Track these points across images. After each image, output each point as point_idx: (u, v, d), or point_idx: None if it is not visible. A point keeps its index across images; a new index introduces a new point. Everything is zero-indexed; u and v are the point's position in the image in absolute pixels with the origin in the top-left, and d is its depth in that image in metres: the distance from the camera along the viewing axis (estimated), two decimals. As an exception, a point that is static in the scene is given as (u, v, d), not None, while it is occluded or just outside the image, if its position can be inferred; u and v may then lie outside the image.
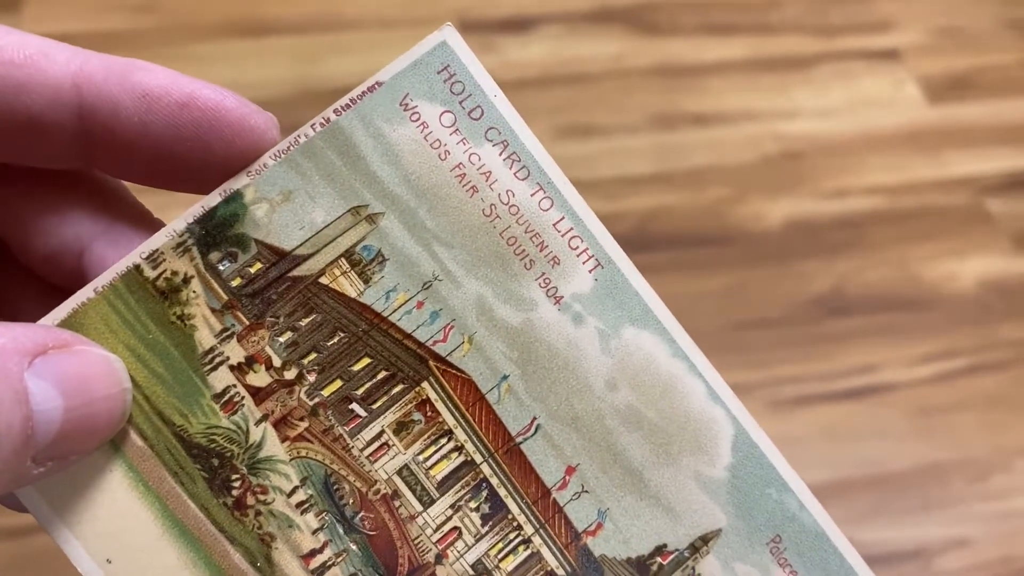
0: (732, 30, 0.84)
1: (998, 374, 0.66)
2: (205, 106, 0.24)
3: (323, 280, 0.25)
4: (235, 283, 0.25)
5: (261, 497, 0.25)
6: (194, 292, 0.25)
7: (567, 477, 0.26)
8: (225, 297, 0.25)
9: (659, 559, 0.26)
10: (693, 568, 0.26)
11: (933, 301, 0.71)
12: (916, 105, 0.80)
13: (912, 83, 0.81)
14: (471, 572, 0.26)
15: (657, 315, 0.26)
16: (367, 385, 0.26)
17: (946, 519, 0.61)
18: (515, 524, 0.26)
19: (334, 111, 0.25)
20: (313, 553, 0.25)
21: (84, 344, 0.23)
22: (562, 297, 0.26)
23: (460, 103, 0.26)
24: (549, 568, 0.26)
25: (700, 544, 0.26)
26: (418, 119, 0.25)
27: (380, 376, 0.26)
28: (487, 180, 0.26)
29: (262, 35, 0.73)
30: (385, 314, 0.26)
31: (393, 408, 0.26)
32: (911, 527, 0.62)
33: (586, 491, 0.26)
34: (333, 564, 0.25)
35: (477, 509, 0.26)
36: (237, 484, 0.25)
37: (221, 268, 0.25)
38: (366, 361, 0.26)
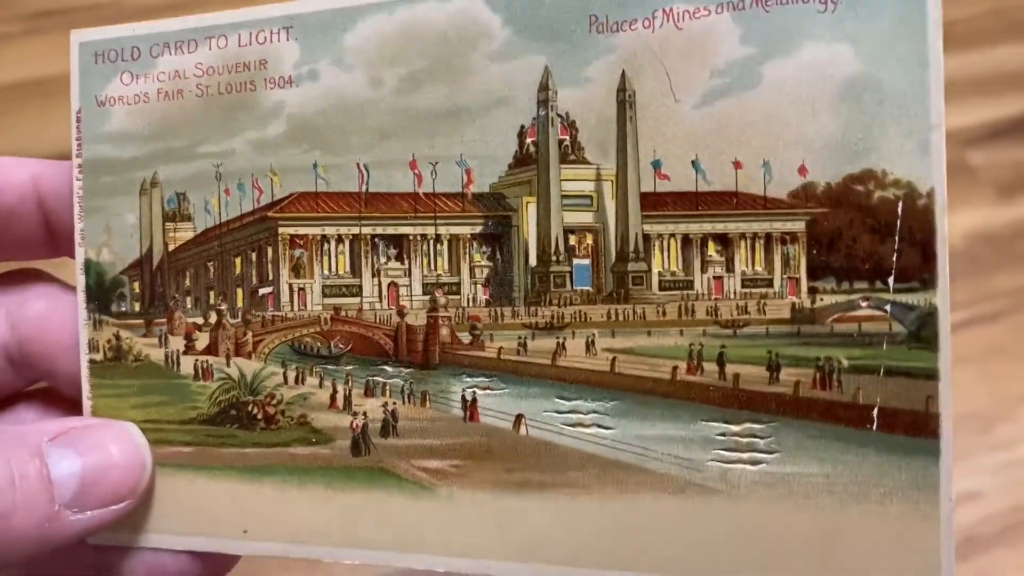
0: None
1: (994, 325, 0.62)
2: None
3: (171, 248, 0.30)
4: (137, 308, 0.30)
5: (274, 402, 0.28)
6: (127, 337, 0.30)
7: (415, 170, 0.27)
8: (142, 321, 0.30)
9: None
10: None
11: (922, 258, 0.66)
12: (889, 64, 0.75)
13: (883, 42, 0.75)
14: (424, 297, 0.27)
15: None
16: (253, 272, 0.29)
17: (953, 474, 0.53)
18: (423, 238, 0.27)
19: (76, 153, 0.30)
20: (333, 398, 0.28)
21: (101, 422, 0.29)
22: (290, 76, 0.28)
23: (121, 60, 0.29)
24: (467, 235, 0.27)
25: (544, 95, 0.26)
26: (114, 98, 0.30)
27: (253, 257, 0.29)
28: (179, 78, 0.29)
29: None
30: (219, 223, 0.29)
31: (281, 264, 0.29)
32: (917, 487, 0.57)
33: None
34: (351, 390, 0.28)
35: (388, 259, 0.27)
36: (255, 411, 0.29)
37: (124, 310, 0.30)
38: (238, 260, 0.29)
